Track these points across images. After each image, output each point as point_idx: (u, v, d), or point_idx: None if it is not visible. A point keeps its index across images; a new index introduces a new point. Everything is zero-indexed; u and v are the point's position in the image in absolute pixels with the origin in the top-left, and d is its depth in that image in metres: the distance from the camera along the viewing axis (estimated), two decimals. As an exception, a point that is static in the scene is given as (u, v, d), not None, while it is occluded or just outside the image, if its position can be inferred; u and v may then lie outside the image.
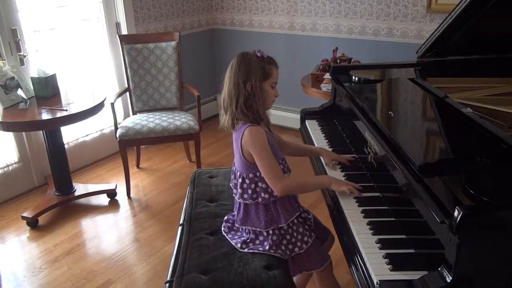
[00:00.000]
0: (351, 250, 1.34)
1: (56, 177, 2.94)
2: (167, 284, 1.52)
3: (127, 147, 3.12)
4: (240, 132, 1.55)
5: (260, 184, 1.58)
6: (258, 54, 1.55)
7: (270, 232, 1.58)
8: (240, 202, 1.63)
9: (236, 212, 1.66)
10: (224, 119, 1.59)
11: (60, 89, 2.94)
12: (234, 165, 1.67)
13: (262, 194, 1.58)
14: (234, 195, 1.68)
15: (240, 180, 1.60)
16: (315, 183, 1.68)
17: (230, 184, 1.73)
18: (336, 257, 1.72)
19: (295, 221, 1.63)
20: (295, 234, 1.61)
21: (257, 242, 1.60)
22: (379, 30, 3.43)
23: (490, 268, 1.06)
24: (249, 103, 1.53)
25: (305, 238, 1.62)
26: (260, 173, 1.56)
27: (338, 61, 3.29)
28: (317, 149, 1.91)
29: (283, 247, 1.59)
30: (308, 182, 1.69)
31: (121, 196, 3.13)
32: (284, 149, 1.80)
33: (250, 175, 1.58)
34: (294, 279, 1.64)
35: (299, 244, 1.61)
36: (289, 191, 1.58)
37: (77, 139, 3.50)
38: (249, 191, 1.59)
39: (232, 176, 1.69)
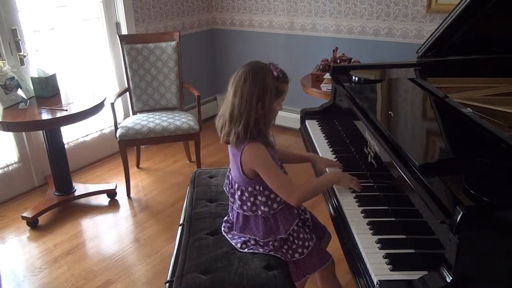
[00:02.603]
0: (351, 250, 1.34)
1: (56, 177, 2.94)
2: (167, 284, 1.52)
3: (127, 147, 3.12)
4: (239, 148, 1.49)
5: (259, 197, 1.55)
6: (274, 73, 1.45)
7: (270, 241, 1.57)
8: (239, 212, 1.60)
9: (234, 219, 1.64)
10: (226, 132, 1.49)
11: (60, 89, 2.94)
12: (229, 171, 1.64)
13: (262, 208, 1.55)
14: (231, 203, 1.64)
15: (239, 193, 1.57)
16: (325, 183, 1.61)
17: (224, 188, 1.71)
18: (336, 257, 1.72)
19: (295, 227, 1.61)
20: (296, 241, 1.60)
21: (258, 246, 1.59)
22: (379, 30, 3.42)
23: (490, 268, 1.06)
24: (257, 124, 1.46)
25: (306, 243, 1.61)
26: (260, 187, 1.53)
27: (338, 61, 3.29)
28: (308, 155, 1.86)
29: (283, 251, 1.59)
30: (319, 185, 1.61)
31: (121, 196, 3.13)
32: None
33: (250, 188, 1.55)
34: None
35: (300, 250, 1.59)
36: (304, 199, 1.52)
37: (77, 139, 3.50)
38: (248, 204, 1.56)
39: (227, 181, 1.66)
